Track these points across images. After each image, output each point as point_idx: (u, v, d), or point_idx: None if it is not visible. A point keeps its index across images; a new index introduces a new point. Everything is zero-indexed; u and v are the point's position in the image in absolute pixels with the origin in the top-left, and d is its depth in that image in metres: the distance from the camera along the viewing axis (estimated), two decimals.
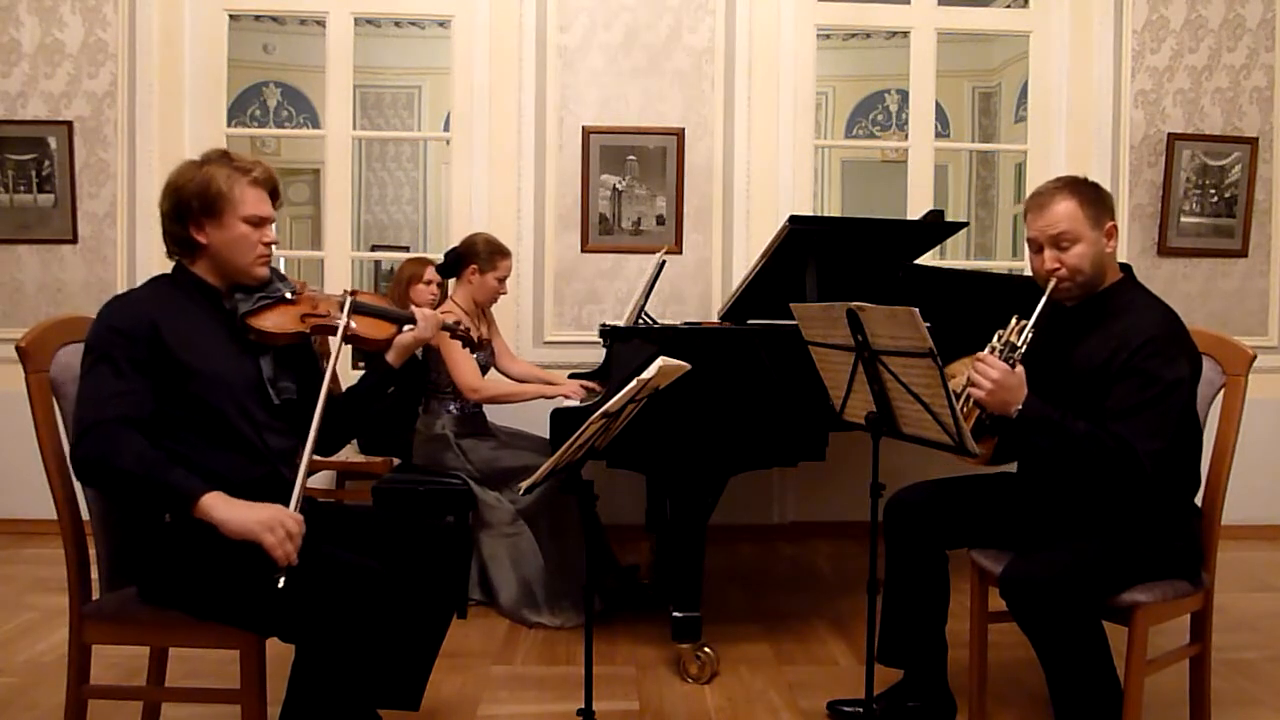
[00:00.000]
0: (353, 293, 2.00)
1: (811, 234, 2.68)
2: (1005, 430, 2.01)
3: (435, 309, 3.62)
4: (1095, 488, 1.99)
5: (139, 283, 2.00)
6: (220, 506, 1.62)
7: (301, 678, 1.65)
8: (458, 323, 2.29)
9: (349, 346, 2.35)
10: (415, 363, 2.17)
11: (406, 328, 2.08)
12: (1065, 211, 2.02)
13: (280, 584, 1.57)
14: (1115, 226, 2.07)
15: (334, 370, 1.92)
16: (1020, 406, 1.91)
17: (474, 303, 3.28)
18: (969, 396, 1.97)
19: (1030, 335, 1.99)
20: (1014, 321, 2.03)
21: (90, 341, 1.74)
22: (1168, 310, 2.01)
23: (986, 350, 2.00)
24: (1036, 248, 2.07)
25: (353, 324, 1.97)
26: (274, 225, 1.91)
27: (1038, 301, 2.02)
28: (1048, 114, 4.26)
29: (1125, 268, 2.12)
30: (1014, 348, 1.98)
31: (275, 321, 1.89)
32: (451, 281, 3.38)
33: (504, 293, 3.34)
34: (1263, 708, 2.46)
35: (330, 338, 1.94)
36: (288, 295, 1.93)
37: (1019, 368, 1.94)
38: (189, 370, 1.76)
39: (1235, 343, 2.11)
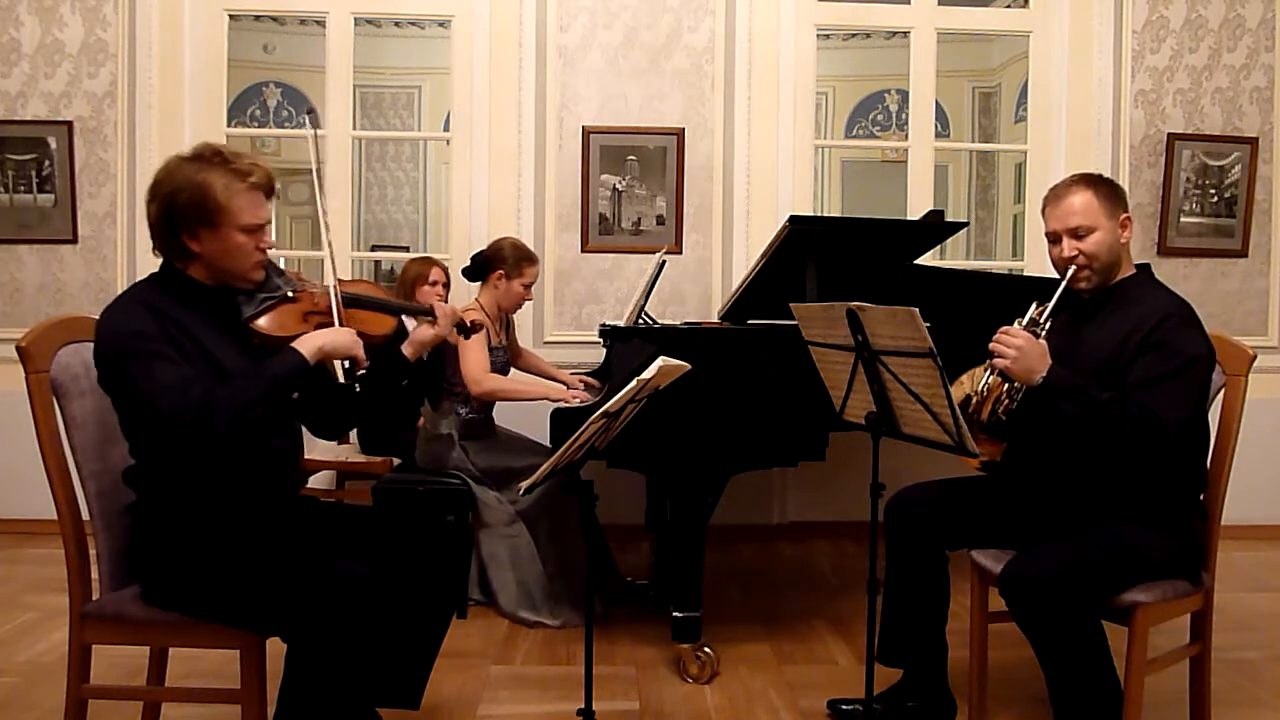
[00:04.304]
0: (341, 283, 1.94)
1: (811, 234, 2.68)
2: (1025, 408, 2.03)
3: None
4: (1112, 458, 1.98)
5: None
6: (324, 340, 1.80)
7: (292, 681, 1.66)
8: (463, 320, 2.28)
9: None
10: (427, 358, 2.17)
11: (424, 320, 2.08)
12: (1082, 202, 2.08)
13: (357, 389, 1.94)
14: (1130, 218, 2.13)
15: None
16: (1044, 374, 1.94)
17: (498, 307, 3.26)
18: (992, 369, 2.02)
19: (1050, 322, 2.05)
20: (1033, 307, 2.09)
21: (122, 349, 1.66)
22: (1182, 299, 2.05)
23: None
24: (1055, 239, 2.13)
25: (355, 321, 1.93)
26: (270, 227, 1.85)
27: (1047, 294, 2.08)
28: (1048, 114, 4.26)
29: (1143, 266, 2.16)
30: (1036, 323, 2.05)
31: (280, 323, 1.85)
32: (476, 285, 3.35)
33: (529, 299, 3.31)
34: (1263, 708, 2.46)
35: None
36: (289, 294, 1.88)
37: (1042, 339, 1.99)
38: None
39: (1235, 343, 2.12)
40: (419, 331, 2.08)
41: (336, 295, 1.90)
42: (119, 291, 4.09)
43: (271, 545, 1.77)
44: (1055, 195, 2.13)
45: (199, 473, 1.76)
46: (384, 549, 1.94)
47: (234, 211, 1.76)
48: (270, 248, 1.85)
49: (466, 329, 2.27)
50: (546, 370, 3.48)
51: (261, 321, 1.84)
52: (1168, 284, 2.14)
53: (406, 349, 2.06)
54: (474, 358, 3.03)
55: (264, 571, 1.71)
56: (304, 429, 2.04)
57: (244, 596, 1.70)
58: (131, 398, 1.68)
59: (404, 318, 2.15)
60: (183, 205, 1.74)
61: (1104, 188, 2.10)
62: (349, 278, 4.13)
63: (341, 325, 1.88)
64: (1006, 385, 2.05)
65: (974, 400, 2.08)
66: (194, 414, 1.60)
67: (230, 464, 1.78)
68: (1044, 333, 2.04)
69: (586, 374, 3.37)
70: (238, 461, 1.79)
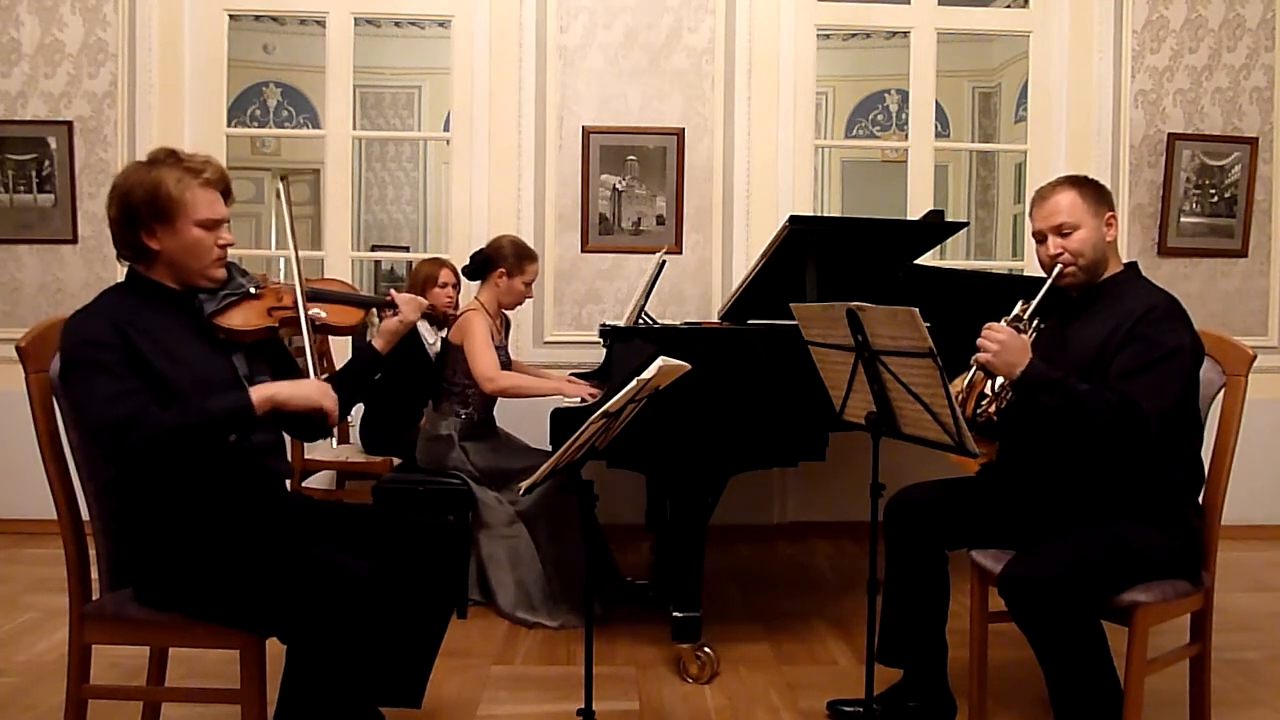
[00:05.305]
0: (306, 281, 1.96)
1: (811, 234, 2.68)
2: (1014, 407, 2.05)
3: (455, 310, 3.63)
4: (1099, 453, 1.99)
5: None
6: (279, 391, 1.76)
7: (292, 680, 1.66)
8: (431, 310, 2.27)
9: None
10: (405, 353, 2.15)
11: (388, 312, 2.09)
12: (1066, 201, 2.11)
13: (334, 445, 1.77)
14: (1114, 217, 2.15)
15: (316, 356, 1.92)
16: (1024, 368, 1.96)
17: (498, 306, 3.25)
18: (976, 364, 2.04)
19: (1037, 320, 2.09)
20: (1019, 304, 2.12)
21: (71, 357, 1.68)
22: (1169, 294, 2.05)
23: None
24: (1040, 238, 2.16)
25: (321, 313, 1.95)
26: (228, 224, 1.86)
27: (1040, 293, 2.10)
28: (1048, 114, 4.26)
29: (1130, 264, 2.17)
30: (1020, 319, 2.09)
31: (243, 318, 1.87)
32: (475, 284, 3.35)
33: (530, 297, 3.30)
34: (1263, 708, 2.46)
35: (299, 327, 1.91)
36: (252, 290, 1.91)
37: (1028, 335, 2.03)
38: (165, 377, 1.72)
39: (1235, 343, 2.12)
40: (386, 322, 2.09)
41: (301, 290, 1.92)
42: None
43: (261, 541, 1.77)
44: (1040, 196, 2.17)
45: (176, 475, 1.75)
46: (383, 547, 1.93)
47: (189, 205, 1.78)
48: (230, 245, 1.86)
49: (437, 320, 2.28)
50: (532, 374, 3.47)
51: (224, 316, 1.86)
52: (1168, 284, 2.17)
53: (377, 341, 2.07)
54: (484, 357, 3.02)
55: (257, 570, 1.71)
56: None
57: (238, 597, 1.70)
58: (71, 406, 1.71)
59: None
60: (138, 202, 1.76)
61: (1088, 187, 2.13)
62: (348, 278, 4.15)
63: (305, 319, 1.90)
64: (990, 382, 2.07)
65: (959, 397, 2.09)
66: (112, 429, 1.61)
67: (207, 462, 1.77)
68: (1029, 329, 2.07)
69: (585, 375, 3.35)
70: (215, 459, 1.78)
